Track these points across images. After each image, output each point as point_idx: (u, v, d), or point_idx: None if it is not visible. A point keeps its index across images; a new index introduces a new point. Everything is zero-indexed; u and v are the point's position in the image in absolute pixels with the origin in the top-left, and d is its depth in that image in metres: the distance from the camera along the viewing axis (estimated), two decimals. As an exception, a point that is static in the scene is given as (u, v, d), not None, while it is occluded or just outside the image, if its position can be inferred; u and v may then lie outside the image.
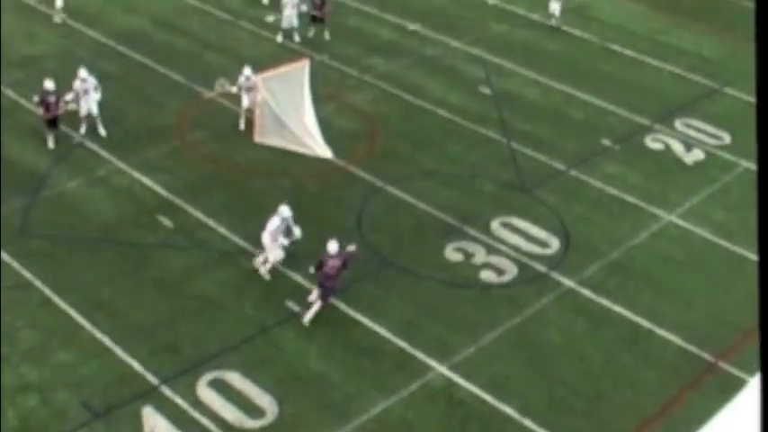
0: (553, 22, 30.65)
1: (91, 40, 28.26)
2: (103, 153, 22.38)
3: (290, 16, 28.13)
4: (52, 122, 22.19)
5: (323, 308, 17.50)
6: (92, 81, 22.69)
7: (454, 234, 20.33)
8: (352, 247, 17.76)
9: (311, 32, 28.68)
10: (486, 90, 26.69)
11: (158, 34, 28.94)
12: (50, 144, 22.30)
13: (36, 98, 22.37)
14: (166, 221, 20.08)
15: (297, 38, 28.45)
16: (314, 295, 17.68)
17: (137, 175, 21.68)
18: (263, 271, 18.59)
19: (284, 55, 26.68)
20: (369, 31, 30.05)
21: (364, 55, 28.26)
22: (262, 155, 22.73)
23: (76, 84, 22.51)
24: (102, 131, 22.86)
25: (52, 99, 22.00)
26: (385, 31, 30.14)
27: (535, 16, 31.27)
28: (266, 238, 18.44)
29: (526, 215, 21.10)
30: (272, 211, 20.30)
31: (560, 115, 25.69)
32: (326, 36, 28.66)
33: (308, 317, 17.48)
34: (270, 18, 28.79)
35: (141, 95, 25.08)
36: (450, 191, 21.90)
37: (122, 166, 21.97)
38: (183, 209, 20.53)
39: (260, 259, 18.73)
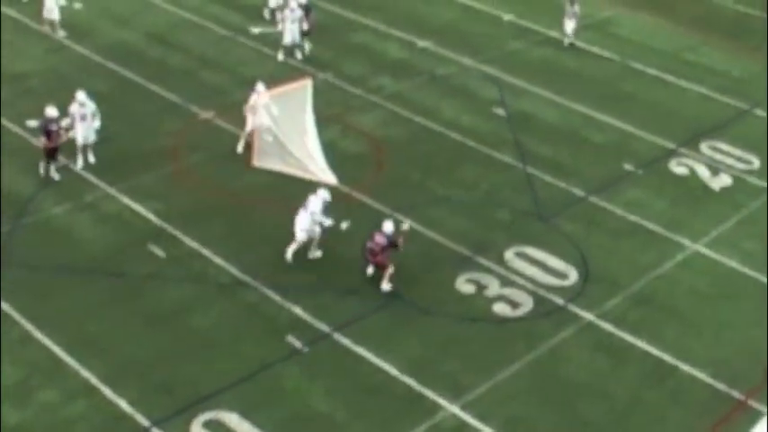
0: (566, 42, 30.92)
1: (79, 56, 28.60)
2: (91, 177, 22.60)
3: (291, 32, 28.47)
4: (52, 153, 22.13)
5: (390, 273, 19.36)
6: (90, 106, 22.70)
7: (466, 265, 20.47)
8: (405, 226, 19.69)
9: (307, 47, 29.15)
10: (500, 111, 26.92)
11: (152, 50, 29.28)
12: (52, 174, 22.27)
13: (32, 123, 22.49)
14: (159, 251, 20.25)
15: (299, 55, 28.79)
16: (370, 269, 19.63)
17: (127, 200, 21.88)
18: (289, 253, 19.94)
19: (286, 73, 26.99)
20: (376, 48, 30.38)
21: (371, 74, 28.56)
22: (261, 180, 22.95)
23: (73, 108, 22.50)
24: (92, 158, 23.02)
25: (54, 127, 21.90)
26: (393, 48, 30.46)
27: (553, 33, 31.58)
28: (305, 221, 19.81)
29: (543, 245, 21.23)
30: (271, 240, 20.50)
31: (580, 138, 25.89)
32: (306, 48, 29.03)
33: (385, 285, 19.37)
34: (256, 30, 29.19)
35: (133, 116, 25.35)
36: (463, 219, 22.06)
37: (112, 191, 22.18)
38: (177, 238, 20.71)
39: (292, 245, 20.09)
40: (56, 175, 22.37)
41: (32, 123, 22.86)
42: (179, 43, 29.81)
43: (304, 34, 28.90)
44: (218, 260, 20.07)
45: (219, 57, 29.08)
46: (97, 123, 22.84)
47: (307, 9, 28.94)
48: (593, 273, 20.51)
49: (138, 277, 19.47)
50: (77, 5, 29.84)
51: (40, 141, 22.12)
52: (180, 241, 20.58)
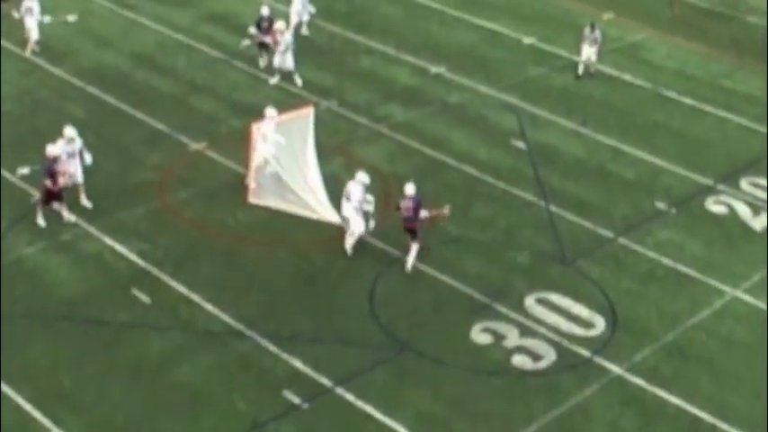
0: (580, 70, 30.85)
1: (56, 79, 28.90)
2: (67, 213, 22.68)
3: (280, 54, 28.70)
4: (57, 196, 21.97)
5: (421, 249, 21.22)
6: (79, 142, 22.72)
7: (482, 312, 20.51)
8: (446, 208, 21.62)
9: (263, 62, 29.66)
10: (520, 144, 27.09)
11: (137, 74, 29.56)
12: (67, 216, 22.24)
13: (24, 171, 22.47)
14: (143, 296, 20.33)
15: (299, 81, 29.05)
16: (407, 241, 21.23)
17: (108, 240, 22.01)
18: (348, 246, 21.49)
19: (285, 100, 27.21)
20: (384, 73, 30.62)
21: (378, 102, 28.78)
22: (257, 218, 23.08)
23: (59, 145, 22.41)
24: (87, 203, 22.88)
25: (61, 168, 21.80)
26: (403, 73, 30.70)
27: (578, 58, 31.75)
28: (349, 210, 21.36)
29: (566, 290, 21.28)
30: (267, 284, 20.59)
31: (607, 174, 26.01)
32: (261, 63, 29.62)
33: (410, 262, 21.20)
34: (246, 42, 29.51)
35: (115, 146, 25.53)
36: (478, 261, 22.15)
37: (91, 229, 22.31)
38: (163, 281, 20.81)
39: (348, 239, 21.62)
40: (72, 217, 22.25)
41: (24, 171, 22.93)
42: (167, 66, 30.08)
43: (263, 46, 29.51)
44: (208, 306, 20.15)
45: (212, 81, 29.34)
46: (88, 160, 22.77)
47: (269, 22, 29.45)
48: (622, 321, 20.53)
49: (120, 325, 19.54)
50: (71, 18, 30.12)
51: (44, 185, 21.74)
52: (166, 285, 20.67)
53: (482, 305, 20.70)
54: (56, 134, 25.06)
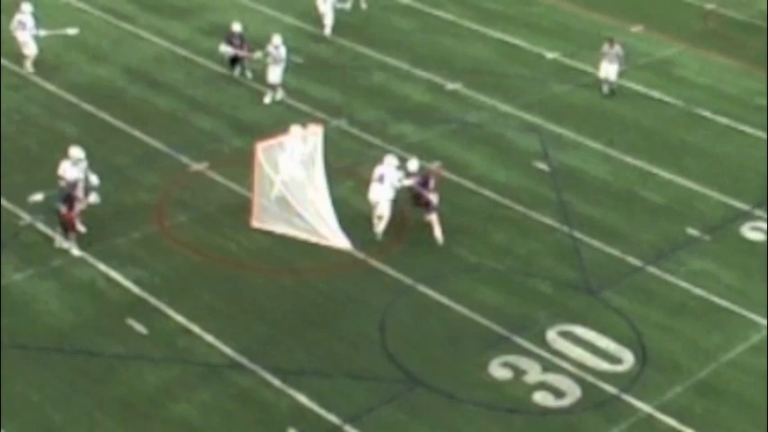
0: (605, 89, 30.94)
1: (47, 95, 29.10)
2: (60, 238, 22.84)
3: (273, 67, 28.97)
4: (70, 223, 22.11)
5: (440, 218, 23.15)
6: (84, 163, 22.87)
7: (501, 345, 20.52)
8: (436, 166, 24.14)
9: (236, 72, 30.07)
10: (542, 166, 27.17)
11: (133, 89, 29.76)
12: (73, 250, 22.29)
13: (38, 197, 22.55)
14: (138, 326, 20.39)
15: (279, 94, 29.13)
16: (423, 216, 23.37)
17: (102, 267, 22.10)
18: (379, 231, 23.23)
19: (292, 118, 27.26)
20: (397, 90, 30.77)
21: (391, 120, 28.91)
22: (261, 244, 23.18)
23: (64, 166, 22.62)
24: (80, 227, 22.80)
25: (80, 194, 21.97)
26: (417, 90, 30.84)
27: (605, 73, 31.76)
28: (380, 193, 23.08)
29: (592, 323, 21.28)
30: (271, 314, 20.65)
31: (635, 198, 26.06)
32: (244, 73, 30.06)
33: (438, 234, 23.18)
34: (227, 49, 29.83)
35: (110, 166, 25.62)
36: (496, 291, 22.18)
37: (84, 254, 22.41)
38: (160, 310, 20.87)
39: (378, 224, 23.32)
40: (76, 251, 22.28)
41: (38, 197, 22.97)
42: (165, 81, 30.25)
43: (236, 61, 29.96)
44: (207, 337, 20.20)
45: (213, 98, 29.53)
46: (95, 181, 22.89)
47: (241, 38, 29.82)
48: (652, 356, 20.51)
49: (113, 357, 19.58)
50: (72, 32, 30.25)
51: (59, 212, 21.92)
52: (163, 315, 20.74)
53: (501, 338, 20.71)
54: (46, 154, 25.51)
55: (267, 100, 29.23)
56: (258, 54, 29.58)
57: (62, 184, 22.52)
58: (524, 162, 27.25)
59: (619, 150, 28.02)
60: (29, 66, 29.85)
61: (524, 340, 20.66)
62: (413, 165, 23.48)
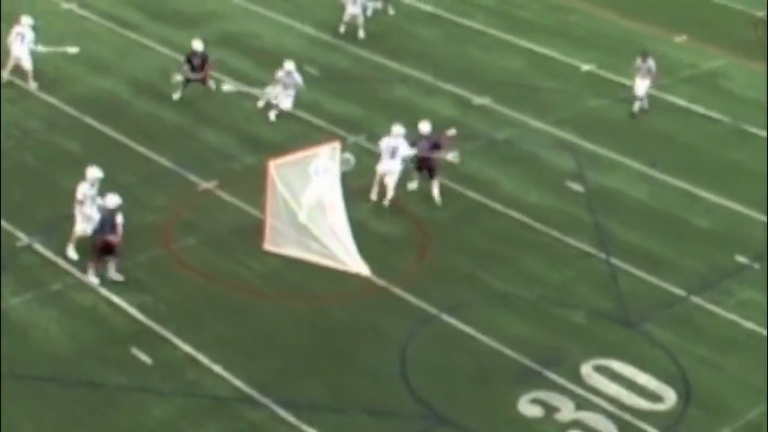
0: (636, 107, 30.87)
1: (47, 108, 29.34)
2: (60, 261, 22.98)
3: (287, 97, 29.08)
4: (110, 249, 22.19)
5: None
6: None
7: (532, 380, 20.54)
8: (451, 132, 25.84)
9: (177, 95, 29.72)
10: (576, 186, 27.24)
11: (139, 103, 29.97)
12: (114, 275, 22.37)
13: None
14: (143, 356, 20.47)
15: (272, 117, 29.17)
16: (414, 184, 25.95)
17: (104, 291, 22.21)
18: (387, 201, 25.28)
19: (306, 134, 27.51)
20: (420, 104, 30.82)
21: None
22: (273, 268, 23.29)
23: (84, 188, 22.75)
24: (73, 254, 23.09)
25: (120, 220, 21.96)
26: (442, 105, 30.95)
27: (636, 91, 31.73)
28: (391, 165, 25.21)
29: (630, 357, 21.27)
30: (283, 344, 20.72)
31: (678, 222, 26.07)
32: (175, 96, 29.63)
33: (437, 195, 25.56)
34: (227, 87, 29.74)
35: (114, 185, 25.45)
36: (527, 322, 22.21)
37: (85, 278, 22.55)
38: (167, 339, 20.96)
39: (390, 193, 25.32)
40: (119, 276, 22.47)
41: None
42: (172, 94, 30.40)
43: (188, 81, 29.69)
44: (216, 368, 20.27)
45: (223, 112, 29.70)
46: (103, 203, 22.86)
47: (203, 58, 29.65)
48: (696, 395, 20.46)
49: (115, 388, 19.64)
50: (72, 50, 30.19)
51: (104, 239, 21.89)
52: (169, 344, 20.83)
53: (531, 372, 20.72)
54: (46, 171, 25.72)
55: (272, 117, 29.23)
56: (227, 87, 29.83)
57: (101, 212, 22.32)
58: (557, 182, 27.32)
59: (660, 170, 28.04)
60: (31, 82, 29.93)
61: (557, 375, 20.66)
62: (425, 127, 25.56)
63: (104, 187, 25.15)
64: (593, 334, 21.97)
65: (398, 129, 25.38)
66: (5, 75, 30.13)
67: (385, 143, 25.37)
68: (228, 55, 32.78)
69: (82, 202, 22.71)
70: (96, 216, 22.54)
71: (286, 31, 34.74)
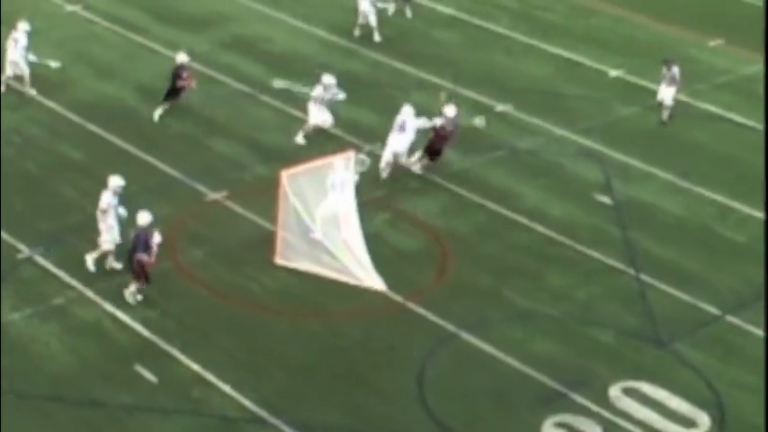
0: (665, 115, 30.79)
1: (49, 115, 29.48)
2: (62, 274, 23.09)
3: (320, 112, 28.67)
4: (141, 269, 22.12)
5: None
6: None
7: (556, 403, 20.50)
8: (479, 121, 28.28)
9: (158, 113, 29.34)
10: (604, 199, 27.22)
11: (145, 109, 29.98)
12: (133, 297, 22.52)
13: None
14: (148, 374, 20.51)
15: (300, 138, 28.80)
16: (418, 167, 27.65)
17: (109, 307, 22.29)
18: (384, 175, 26.99)
19: (320, 143, 27.54)
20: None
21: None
22: (285, 283, 23.34)
23: (107, 197, 22.76)
24: (116, 264, 23.10)
25: (158, 239, 21.95)
26: (462, 112, 30.86)
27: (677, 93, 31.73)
28: (408, 141, 26.93)
29: (661, 379, 21.22)
30: (294, 362, 20.74)
31: (712, 236, 26.03)
32: (156, 114, 29.21)
33: (418, 167, 27.40)
34: (280, 83, 29.81)
35: (118, 194, 25.89)
36: (551, 341, 22.20)
37: (89, 293, 22.62)
38: (173, 356, 21.01)
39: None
40: (133, 298, 22.38)
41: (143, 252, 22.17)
42: (181, 101, 30.38)
43: (170, 94, 29.39)
44: (224, 387, 20.30)
45: (234, 120, 29.81)
46: (123, 213, 23.00)
47: (186, 71, 29.33)
48: (731, 419, 20.40)
49: (119, 407, 19.69)
50: (54, 65, 30.15)
51: (140, 260, 21.87)
52: (176, 361, 20.88)
53: (556, 394, 20.70)
54: (48, 179, 25.84)
55: (300, 139, 28.60)
56: (280, 83, 30.05)
57: (135, 231, 22.13)
58: (584, 194, 27.31)
59: (693, 182, 28.00)
60: (28, 89, 30.03)
61: (583, 398, 20.63)
62: (451, 111, 27.20)
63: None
64: (621, 354, 21.94)
65: (408, 108, 27.06)
66: (5, 80, 30.30)
67: (398, 119, 27.09)
68: (239, 59, 32.87)
69: (105, 212, 22.77)
70: (116, 226, 22.66)
71: (298, 34, 34.84)
